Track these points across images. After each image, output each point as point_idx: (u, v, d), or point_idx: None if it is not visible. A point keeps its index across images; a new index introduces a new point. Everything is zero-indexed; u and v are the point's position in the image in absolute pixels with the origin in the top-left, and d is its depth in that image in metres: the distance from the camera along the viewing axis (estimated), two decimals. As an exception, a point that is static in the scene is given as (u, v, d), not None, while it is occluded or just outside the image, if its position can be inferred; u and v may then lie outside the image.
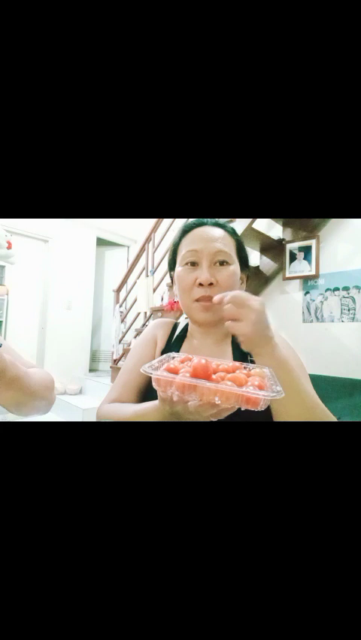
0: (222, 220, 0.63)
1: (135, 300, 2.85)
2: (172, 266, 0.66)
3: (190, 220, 0.63)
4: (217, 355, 0.61)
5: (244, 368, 0.43)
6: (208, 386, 0.36)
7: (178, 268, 0.61)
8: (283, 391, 0.36)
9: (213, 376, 0.38)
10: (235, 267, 0.59)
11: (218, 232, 0.60)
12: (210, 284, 0.56)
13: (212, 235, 0.59)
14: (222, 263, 0.58)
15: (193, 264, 0.59)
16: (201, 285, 0.57)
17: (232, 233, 0.63)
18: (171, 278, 0.67)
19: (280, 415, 0.49)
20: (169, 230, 2.73)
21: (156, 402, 0.47)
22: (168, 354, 0.49)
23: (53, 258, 3.40)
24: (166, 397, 0.40)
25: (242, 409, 0.37)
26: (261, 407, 0.36)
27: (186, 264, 0.59)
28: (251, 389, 0.36)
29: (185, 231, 0.63)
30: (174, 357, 0.46)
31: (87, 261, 3.70)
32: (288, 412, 0.48)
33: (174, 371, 0.39)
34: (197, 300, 0.58)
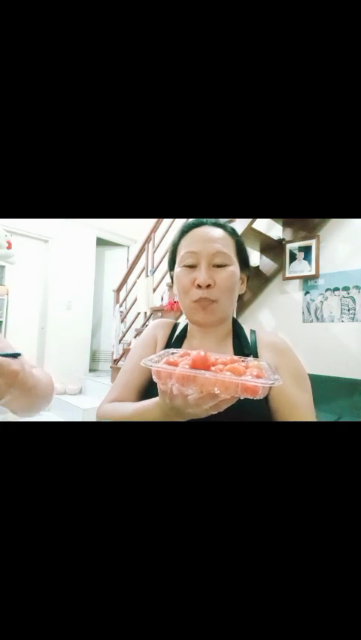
0: (222, 220, 0.63)
1: (135, 300, 2.85)
2: (172, 266, 0.66)
3: (190, 220, 0.63)
4: None
5: (242, 362, 0.43)
6: (208, 376, 0.36)
7: (177, 269, 0.61)
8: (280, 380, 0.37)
9: (212, 368, 0.39)
10: (235, 267, 0.59)
11: (217, 232, 0.60)
12: (208, 285, 0.56)
13: (211, 236, 0.59)
14: (220, 264, 0.58)
15: (192, 265, 0.58)
16: (199, 286, 0.57)
17: (232, 233, 0.62)
18: (171, 278, 0.67)
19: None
20: (169, 230, 2.73)
21: (156, 399, 0.47)
22: (168, 349, 0.49)
23: (53, 258, 3.39)
24: (166, 390, 0.40)
25: (241, 398, 0.37)
26: (260, 395, 0.36)
27: (185, 265, 0.59)
28: (250, 378, 0.36)
29: (184, 232, 0.62)
30: (173, 353, 0.47)
31: (87, 261, 3.69)
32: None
33: (174, 364, 0.40)
34: (195, 302, 0.58)
